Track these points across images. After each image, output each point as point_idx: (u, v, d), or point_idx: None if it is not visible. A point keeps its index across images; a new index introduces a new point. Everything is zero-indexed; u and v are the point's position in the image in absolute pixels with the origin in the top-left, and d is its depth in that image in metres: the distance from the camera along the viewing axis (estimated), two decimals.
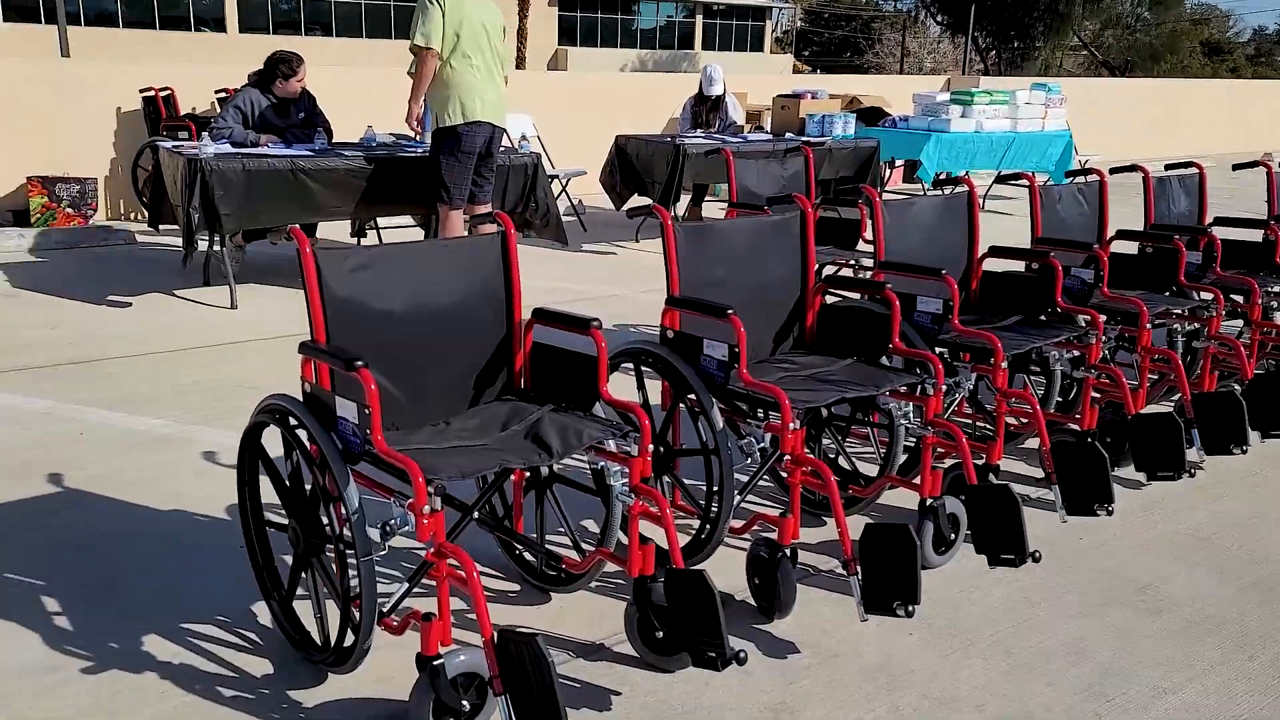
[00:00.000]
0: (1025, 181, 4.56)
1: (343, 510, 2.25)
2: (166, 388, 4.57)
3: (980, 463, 3.38)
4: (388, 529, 2.19)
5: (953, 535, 3.15)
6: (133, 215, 8.60)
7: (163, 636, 2.67)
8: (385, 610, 2.41)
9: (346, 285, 2.50)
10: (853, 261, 5.12)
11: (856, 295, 3.46)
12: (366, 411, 2.22)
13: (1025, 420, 4.02)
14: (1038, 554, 2.90)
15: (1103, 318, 4.01)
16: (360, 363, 2.22)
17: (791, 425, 2.72)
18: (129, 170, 8.46)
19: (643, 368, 3.05)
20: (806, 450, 3.50)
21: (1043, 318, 3.84)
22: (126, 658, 2.57)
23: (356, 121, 7.24)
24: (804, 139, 8.61)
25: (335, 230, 7.54)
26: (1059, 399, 4.16)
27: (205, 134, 5.98)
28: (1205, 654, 2.77)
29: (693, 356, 2.93)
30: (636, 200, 8.26)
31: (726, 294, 3.14)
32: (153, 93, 8.47)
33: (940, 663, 2.69)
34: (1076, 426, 3.77)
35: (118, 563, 3.04)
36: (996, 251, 3.98)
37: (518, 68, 24.92)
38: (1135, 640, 2.83)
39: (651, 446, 2.54)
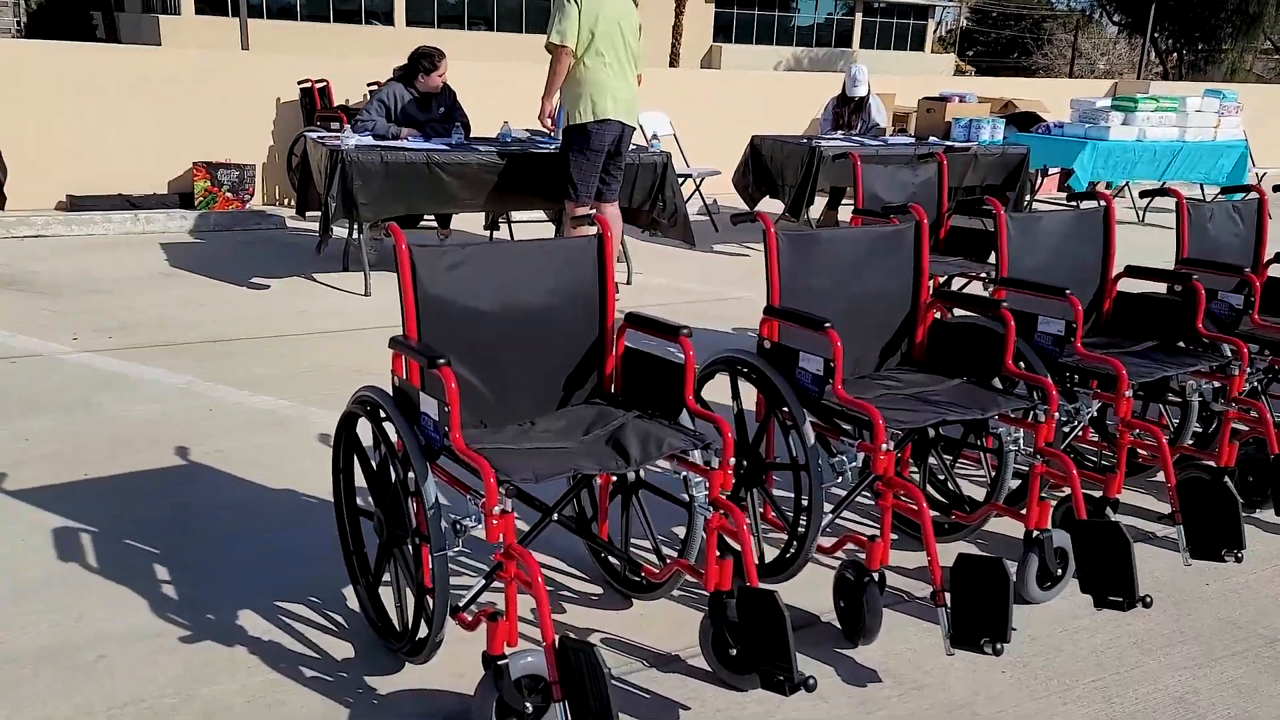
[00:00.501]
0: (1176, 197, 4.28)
1: (420, 504, 2.28)
2: (292, 369, 4.75)
3: (1098, 495, 3.20)
4: (458, 526, 2.21)
5: (1060, 570, 2.98)
6: (285, 201, 8.99)
7: (257, 612, 2.77)
8: (461, 605, 2.44)
9: (440, 282, 2.53)
10: (982, 275, 4.91)
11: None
12: (446, 409, 2.24)
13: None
14: (1148, 598, 2.71)
15: (1253, 347, 3.75)
16: (443, 360, 2.25)
17: (884, 446, 2.61)
18: (284, 158, 8.84)
19: (739, 377, 3.00)
20: (911, 471, 3.39)
21: (1182, 344, 3.60)
22: (222, 630, 2.68)
23: (498, 116, 7.38)
24: (948, 144, 8.33)
25: (470, 223, 7.72)
26: (1201, 431, 3.90)
27: (348, 126, 6.19)
28: None
29: (788, 369, 2.85)
30: (767, 203, 8.16)
31: (829, 306, 3.05)
32: (309, 84, 8.84)
33: (1031, 705, 2.55)
34: (1213, 463, 3.51)
35: (225, 537, 3.17)
36: (1133, 271, 3.75)
37: (671, 65, 25.02)
38: (1254, 700, 2.62)
39: (734, 460, 2.48)
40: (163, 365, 4.73)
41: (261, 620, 2.74)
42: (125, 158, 8.30)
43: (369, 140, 6.22)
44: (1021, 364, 3.30)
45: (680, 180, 8.56)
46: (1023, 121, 10.90)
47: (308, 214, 7.11)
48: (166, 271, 6.58)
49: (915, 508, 2.65)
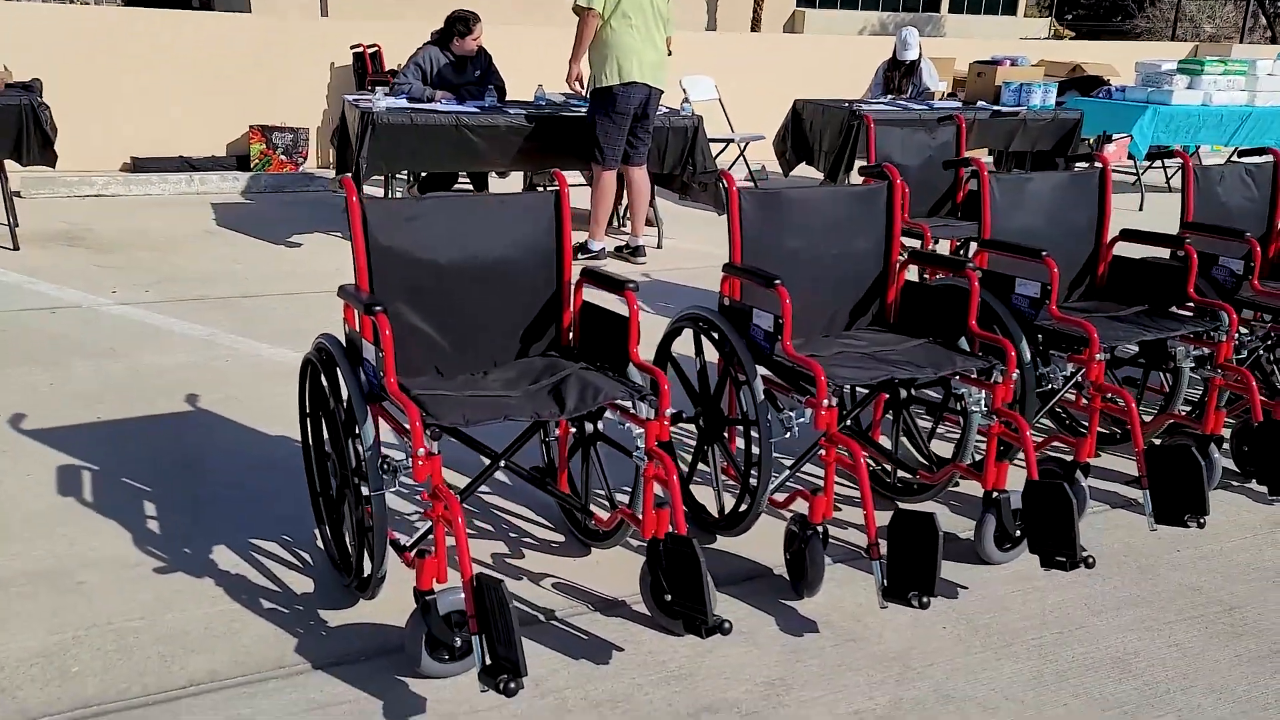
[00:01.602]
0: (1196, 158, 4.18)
1: (359, 446, 2.40)
2: (315, 324, 4.91)
3: (1069, 459, 3.19)
4: (385, 466, 2.32)
5: (1019, 531, 2.98)
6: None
7: (231, 548, 2.93)
8: (408, 545, 2.55)
9: (392, 234, 2.63)
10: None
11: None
12: (381, 354, 2.34)
13: (1151, 418, 3.73)
14: (1090, 559, 2.71)
15: (1247, 314, 3.67)
16: (379, 308, 2.35)
17: (825, 402, 2.65)
18: (336, 122, 9.05)
19: (703, 334, 3.05)
20: (898, 430, 3.40)
21: (1177, 310, 3.54)
22: (195, 563, 2.84)
23: (534, 79, 7.46)
24: (996, 109, 8.17)
25: (510, 186, 7.83)
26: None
27: (379, 89, 6.33)
28: (1275, 688, 2.52)
29: (743, 325, 2.90)
30: (803, 170, 8.10)
31: (795, 265, 3.08)
32: (361, 49, 9.01)
33: (964, 660, 2.58)
34: (1199, 431, 3.46)
35: (218, 479, 3.34)
36: (1129, 235, 3.69)
37: (752, 29, 24.75)
38: (1197, 663, 2.60)
39: (671, 410, 2.54)
40: (192, 318, 4.95)
41: (234, 555, 2.89)
42: (187, 121, 8.59)
43: (403, 103, 6.35)
44: (995, 326, 3.30)
45: (723, 146, 8.59)
46: (1087, 86, 10.59)
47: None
48: (213, 230, 6.82)
49: (868, 464, 2.68)
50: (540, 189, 7.54)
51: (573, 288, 2.87)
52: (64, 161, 7.94)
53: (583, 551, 3.00)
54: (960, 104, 8.59)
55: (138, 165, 8.38)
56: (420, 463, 2.25)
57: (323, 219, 7.19)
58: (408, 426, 2.31)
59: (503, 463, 2.70)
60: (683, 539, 2.39)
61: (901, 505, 2.84)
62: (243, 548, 2.94)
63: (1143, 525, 3.20)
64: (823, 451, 2.73)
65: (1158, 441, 3.71)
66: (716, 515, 3.08)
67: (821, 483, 2.79)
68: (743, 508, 2.96)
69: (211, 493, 3.25)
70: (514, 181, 7.76)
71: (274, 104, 8.86)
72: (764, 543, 3.01)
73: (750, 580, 2.90)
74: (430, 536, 2.40)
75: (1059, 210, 3.65)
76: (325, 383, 2.56)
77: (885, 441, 3.49)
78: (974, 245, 4.63)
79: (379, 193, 6.80)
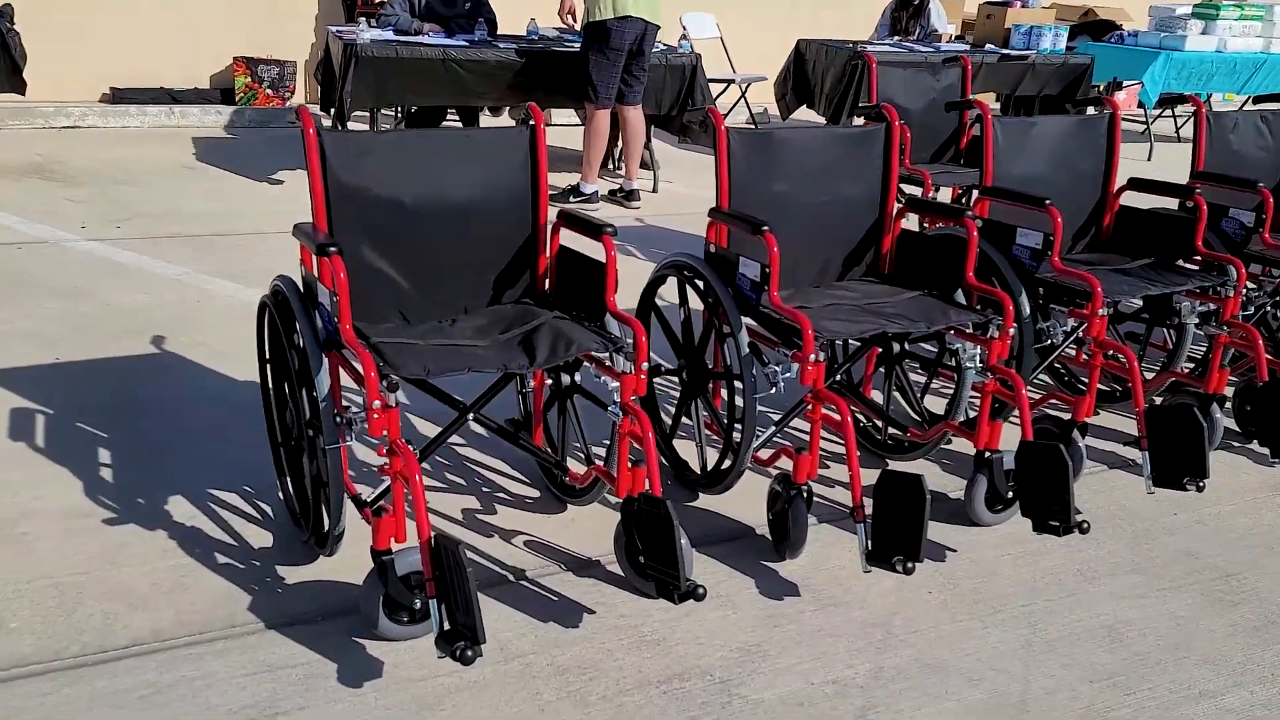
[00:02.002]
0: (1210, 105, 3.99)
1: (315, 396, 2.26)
2: (290, 264, 4.75)
3: (1067, 418, 3.06)
4: (336, 419, 2.18)
5: (1011, 493, 2.86)
6: None
7: (187, 498, 2.80)
8: (368, 500, 2.42)
9: (353, 170, 2.47)
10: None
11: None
12: (335, 299, 2.19)
13: (1153, 375, 3.60)
14: (1085, 524, 2.59)
15: (1256, 268, 3.52)
16: (333, 249, 2.19)
17: (812, 356, 2.50)
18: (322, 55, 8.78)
19: (688, 283, 2.89)
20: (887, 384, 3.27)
21: (1184, 263, 3.38)
22: (147, 514, 2.72)
23: (527, 12, 7.20)
24: (1004, 52, 7.93)
25: (504, 121, 7.61)
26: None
27: (363, 20, 6.10)
28: (1270, 659, 2.41)
29: (729, 274, 2.74)
30: (804, 113, 7.87)
31: (786, 211, 2.92)
32: None
33: (949, 627, 2.46)
34: (1201, 390, 3.32)
35: (178, 426, 3.20)
36: (1136, 184, 3.52)
37: None
38: (1192, 633, 2.49)
39: (648, 364, 2.40)
40: (164, 256, 4.78)
41: (190, 506, 2.77)
42: (170, 52, 8.29)
43: (389, 35, 6.12)
44: (994, 278, 3.15)
45: (724, 87, 8.35)
46: (1099, 30, 10.31)
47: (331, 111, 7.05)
48: (192, 165, 6.62)
49: (858, 419, 2.55)
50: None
51: (549, 231, 2.71)
52: (40, 91, 7.71)
53: (558, 508, 2.88)
54: (968, 47, 8.34)
55: (117, 96, 8.12)
56: (376, 416, 2.11)
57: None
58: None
59: (471, 415, 2.56)
60: (656, 500, 2.27)
61: (889, 466, 2.70)
62: (200, 498, 2.81)
63: (1140, 487, 3.07)
64: (809, 409, 2.58)
65: (1159, 400, 3.58)
66: (699, 472, 2.95)
67: (807, 440, 2.65)
68: (725, 465, 2.83)
69: (171, 440, 3.11)
70: (506, 120, 7.53)
71: (261, 36, 8.58)
72: (747, 501, 2.89)
73: (731, 540, 2.78)
74: (389, 494, 2.26)
75: (1065, 157, 3.48)
76: (281, 328, 2.41)
77: (877, 396, 3.36)
78: (976, 193, 4.46)
79: (364, 129, 6.59)
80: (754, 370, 2.64)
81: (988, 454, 2.80)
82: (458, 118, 7.06)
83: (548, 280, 2.73)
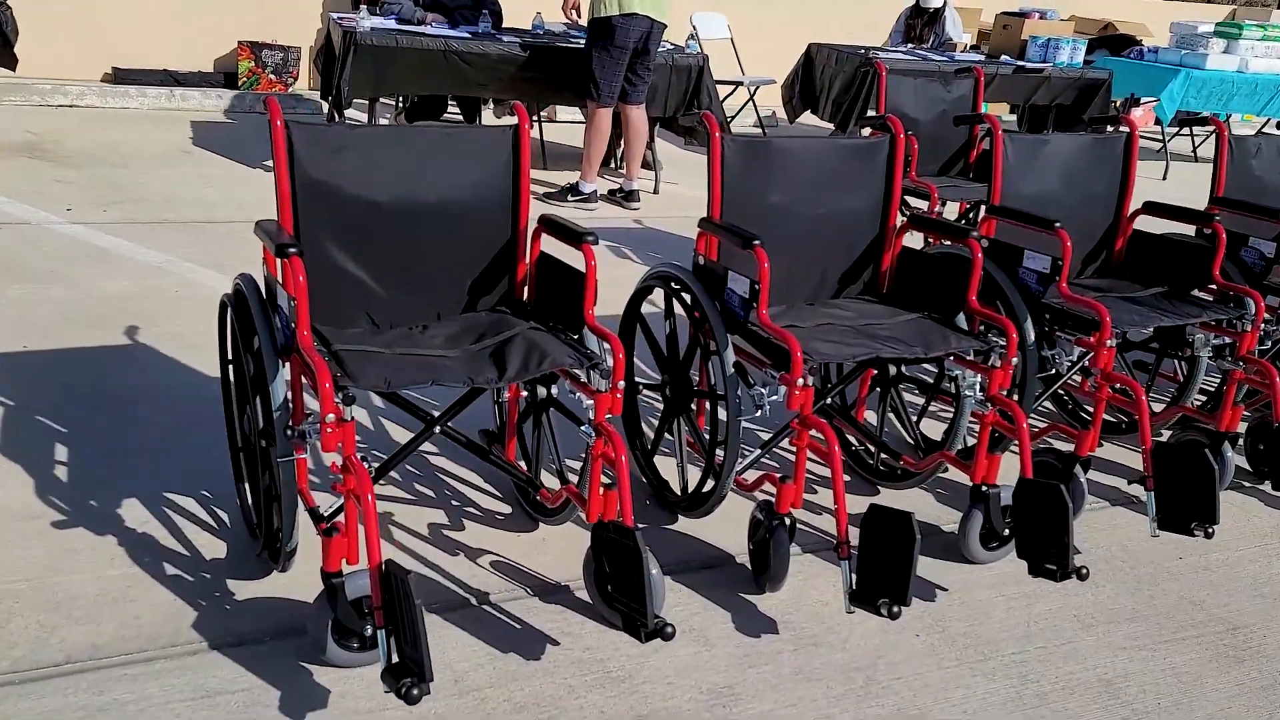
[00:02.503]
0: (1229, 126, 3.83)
1: (269, 404, 2.12)
2: None
3: (1068, 452, 2.91)
4: (289, 431, 2.05)
5: (1008, 530, 2.71)
6: None
7: (142, 502, 2.67)
8: (325, 517, 2.29)
9: (322, 166, 2.33)
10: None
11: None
12: (293, 302, 2.06)
13: (1161, 408, 3.45)
14: (1084, 570, 2.44)
15: (1273, 300, 3.37)
16: (293, 250, 2.06)
17: (800, 380, 2.36)
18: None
19: (675, 295, 2.76)
20: (888, 408, 3.13)
21: (1199, 293, 3.24)
22: (99, 518, 2.59)
23: (532, 6, 7.07)
24: (1019, 64, 7.77)
25: (506, 120, 7.47)
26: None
27: (364, 8, 5.96)
28: None
29: (718, 289, 2.61)
30: (808, 118, 7.72)
31: (781, 223, 2.78)
32: None
33: (936, 674, 2.32)
34: (1213, 427, 3.17)
35: (141, 422, 3.07)
36: (1153, 208, 3.37)
37: None
38: (1193, 691, 2.35)
39: (623, 383, 2.26)
40: (148, 242, 4.65)
41: (144, 511, 2.63)
42: (174, 33, 8.17)
43: (391, 24, 5.99)
44: (999, 302, 3.00)
45: (731, 89, 8.19)
46: (1118, 45, 10.15)
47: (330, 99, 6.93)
48: (188, 149, 6.50)
49: (850, 444, 2.40)
50: (537, 121, 7.17)
51: (529, 236, 2.57)
52: (42, 68, 7.61)
53: (530, 526, 2.74)
54: (983, 57, 8.18)
55: (119, 76, 8.00)
56: (329, 430, 1.98)
57: None
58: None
59: (439, 428, 2.42)
60: (626, 530, 2.13)
61: (877, 500, 2.54)
62: (156, 502, 2.68)
63: (1144, 526, 2.93)
64: (795, 435, 2.44)
65: (1166, 435, 3.43)
66: (679, 493, 2.82)
67: (793, 465, 2.51)
68: (707, 487, 2.69)
69: (134, 437, 2.98)
70: (507, 117, 7.38)
71: (266, 20, 8.45)
72: (729, 526, 2.74)
73: (710, 568, 2.64)
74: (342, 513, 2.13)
75: (1078, 176, 3.33)
76: (238, 330, 2.27)
77: (873, 418, 3.22)
78: (983, 210, 4.31)
79: (363, 119, 6.47)
80: (739, 391, 2.50)
81: (985, 488, 2.66)
82: (459, 110, 6.92)
83: (526, 288, 2.60)
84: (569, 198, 5.98)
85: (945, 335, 2.65)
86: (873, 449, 3.07)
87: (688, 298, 2.67)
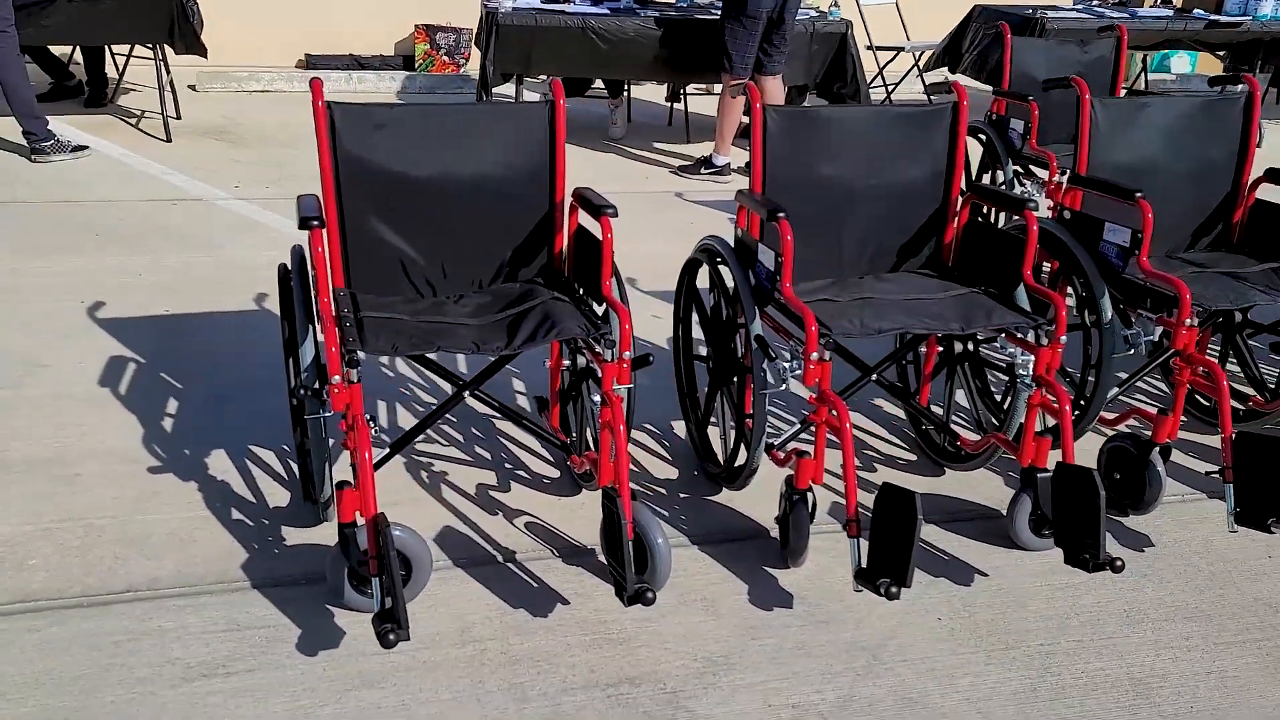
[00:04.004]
0: None
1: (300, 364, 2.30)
2: None
3: (1145, 438, 2.73)
4: (300, 391, 2.21)
5: None
6: None
7: (228, 453, 2.93)
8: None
9: (362, 143, 2.48)
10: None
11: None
12: (306, 274, 2.22)
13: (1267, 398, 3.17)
14: (1119, 562, 2.29)
15: None
16: (315, 222, 2.21)
17: (815, 355, 2.33)
18: None
19: (717, 267, 2.76)
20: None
21: None
22: (187, 464, 2.86)
23: None
24: (1213, 18, 7.16)
25: (653, 94, 7.54)
26: None
27: None
28: None
29: (751, 261, 2.60)
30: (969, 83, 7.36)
31: (828, 196, 2.73)
32: None
33: (946, 659, 2.26)
34: None
35: (248, 382, 3.35)
36: (1276, 176, 3.08)
37: None
38: (1237, 698, 2.18)
39: (629, 354, 2.30)
40: (286, 213, 5.02)
41: (227, 460, 2.89)
42: (360, 19, 8.67)
43: (534, 3, 6.16)
44: (1079, 279, 2.85)
45: (893, 55, 7.94)
46: None
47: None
48: None
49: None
50: (680, 99, 7.20)
51: (566, 209, 2.64)
52: (244, 57, 8.29)
53: (573, 491, 2.83)
54: (1171, 12, 7.58)
55: (311, 62, 8.59)
56: (336, 391, 2.12)
57: None
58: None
59: (468, 393, 2.54)
60: (610, 493, 2.18)
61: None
62: (239, 452, 2.93)
63: (1221, 521, 2.72)
64: (813, 410, 2.41)
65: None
66: (721, 466, 2.83)
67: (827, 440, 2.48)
68: (739, 461, 2.70)
69: (235, 392, 3.27)
70: (654, 91, 7.45)
71: (441, 2, 8.84)
72: (769, 500, 2.74)
73: (740, 540, 2.65)
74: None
75: (1188, 143, 3.08)
76: (281, 296, 2.46)
77: (961, 398, 3.11)
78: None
79: (510, 96, 6.68)
80: (763, 364, 2.49)
81: (1036, 471, 2.54)
82: (605, 87, 7.03)
83: (566, 260, 2.67)
84: (703, 170, 6.00)
85: (991, 311, 2.54)
86: (932, 429, 2.98)
87: (726, 271, 2.67)
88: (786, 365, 2.45)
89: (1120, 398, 3.43)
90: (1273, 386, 3.27)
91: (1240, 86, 3.12)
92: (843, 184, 2.75)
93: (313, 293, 2.34)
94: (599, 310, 2.48)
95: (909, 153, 2.78)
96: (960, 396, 3.10)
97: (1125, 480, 2.77)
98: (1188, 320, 2.60)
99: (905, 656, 2.26)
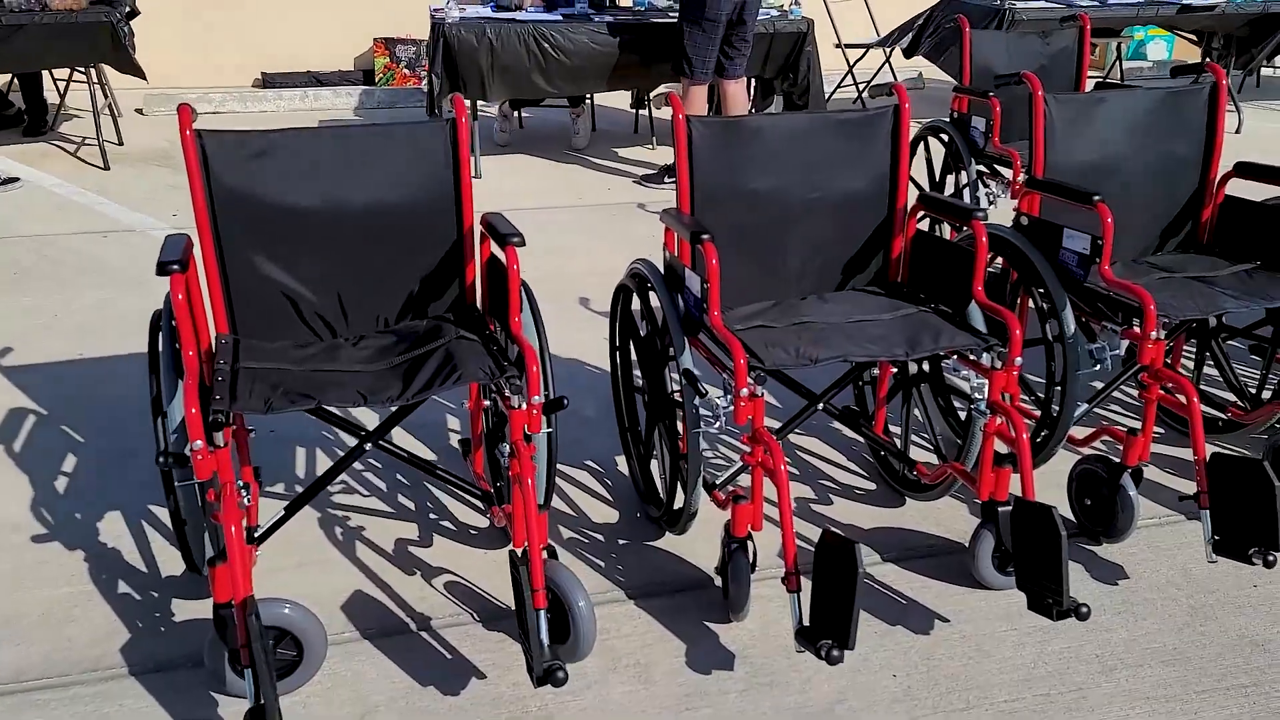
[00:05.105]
0: None
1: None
2: None
3: (1116, 461, 2.52)
4: (161, 459, 1.98)
5: None
6: None
7: (125, 514, 2.69)
8: (257, 536, 2.22)
9: (239, 173, 2.25)
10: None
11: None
12: (173, 324, 1.99)
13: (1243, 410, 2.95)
14: (1085, 609, 2.07)
15: None
16: (176, 267, 1.99)
17: (745, 390, 2.11)
18: None
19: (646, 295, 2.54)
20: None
21: None
22: (76, 530, 2.61)
23: None
24: (1185, 2, 6.96)
25: (617, 100, 7.33)
26: None
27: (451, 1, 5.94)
28: None
29: (679, 288, 2.38)
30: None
31: (762, 211, 2.51)
32: None
33: None
34: None
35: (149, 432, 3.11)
36: (1245, 170, 2.87)
37: None
38: None
39: (539, 399, 2.07)
40: None
41: (122, 524, 2.65)
42: (317, 35, 8.42)
43: (484, 12, 5.94)
44: (1040, 290, 2.63)
45: (863, 52, 7.74)
46: None
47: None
48: None
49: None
50: (645, 105, 6.98)
51: (477, 237, 2.42)
52: (201, 78, 8.06)
53: (502, 542, 2.60)
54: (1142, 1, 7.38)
55: (267, 81, 8.36)
56: (199, 457, 1.89)
57: None
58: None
59: (369, 445, 2.31)
60: (515, 559, 1.95)
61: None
62: (137, 514, 2.70)
63: (1200, 551, 2.50)
64: (747, 451, 2.19)
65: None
66: (660, 510, 2.61)
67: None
68: (678, 504, 2.48)
69: (141, 446, 3.03)
70: (618, 97, 7.23)
71: (401, 15, 8.61)
72: (716, 543, 2.51)
73: (682, 592, 2.42)
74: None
75: (1150, 138, 2.87)
76: (148, 352, 2.22)
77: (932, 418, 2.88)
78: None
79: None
80: (695, 401, 2.26)
81: (996, 505, 2.32)
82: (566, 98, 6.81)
83: (480, 291, 2.45)
84: (666, 179, 5.78)
85: (939, 332, 2.31)
86: (891, 456, 2.75)
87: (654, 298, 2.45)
88: (719, 402, 2.22)
89: (1096, 410, 3.21)
90: (1254, 393, 3.06)
91: (1205, 75, 2.91)
92: (778, 198, 2.53)
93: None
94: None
95: (849, 162, 2.56)
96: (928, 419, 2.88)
97: (1096, 506, 2.55)
98: (1153, 333, 2.38)
99: None
